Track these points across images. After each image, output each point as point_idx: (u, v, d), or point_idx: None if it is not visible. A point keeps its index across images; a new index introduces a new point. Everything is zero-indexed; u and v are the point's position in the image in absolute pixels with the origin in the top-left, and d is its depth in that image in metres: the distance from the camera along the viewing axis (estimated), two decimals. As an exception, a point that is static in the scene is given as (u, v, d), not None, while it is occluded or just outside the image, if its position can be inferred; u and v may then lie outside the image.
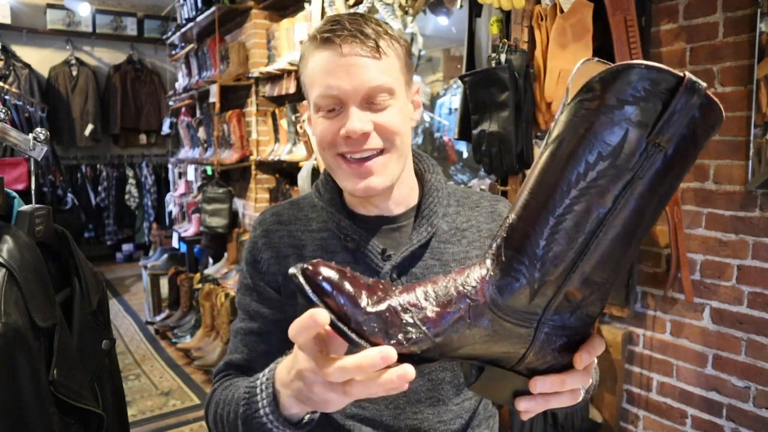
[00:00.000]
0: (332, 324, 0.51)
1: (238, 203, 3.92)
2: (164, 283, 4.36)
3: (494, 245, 0.54)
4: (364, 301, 0.52)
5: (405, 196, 0.91)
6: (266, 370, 0.70)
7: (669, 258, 1.78)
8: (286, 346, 0.90)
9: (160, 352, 3.88)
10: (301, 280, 0.51)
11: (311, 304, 0.51)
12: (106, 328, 1.03)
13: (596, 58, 0.52)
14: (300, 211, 0.94)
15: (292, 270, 0.52)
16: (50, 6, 6.03)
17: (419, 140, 3.34)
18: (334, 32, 0.79)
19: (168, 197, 5.53)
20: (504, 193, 1.92)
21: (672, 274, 1.73)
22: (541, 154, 0.50)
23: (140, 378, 3.46)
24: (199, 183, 4.39)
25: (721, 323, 1.72)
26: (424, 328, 0.52)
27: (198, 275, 3.90)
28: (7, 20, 5.79)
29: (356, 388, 0.53)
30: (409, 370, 0.51)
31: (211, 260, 4.21)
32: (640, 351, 1.93)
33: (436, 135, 3.30)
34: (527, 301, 0.51)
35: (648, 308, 1.90)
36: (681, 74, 0.44)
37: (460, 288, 0.53)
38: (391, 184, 0.85)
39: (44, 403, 0.79)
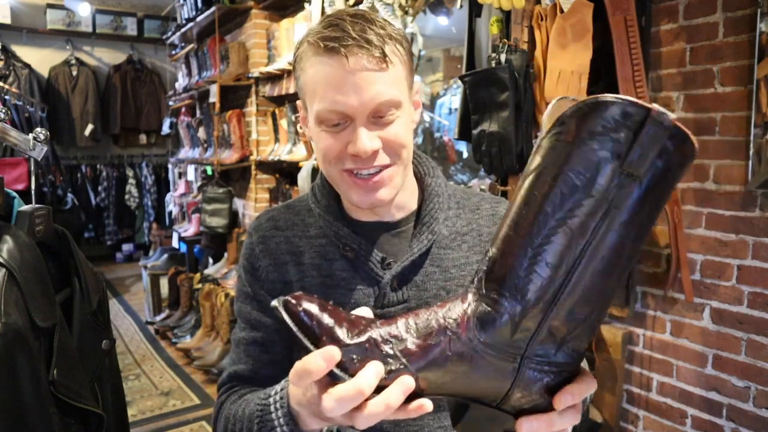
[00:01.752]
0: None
1: (238, 203, 3.92)
2: (164, 283, 4.36)
3: (476, 279, 0.54)
4: (343, 333, 0.52)
5: (406, 201, 0.89)
6: (278, 387, 0.70)
7: (669, 258, 1.78)
8: (290, 353, 0.89)
9: (160, 352, 3.88)
10: (283, 312, 0.52)
11: (292, 335, 0.52)
12: (106, 328, 1.03)
13: (571, 97, 0.52)
14: (297, 215, 0.92)
15: (274, 303, 0.53)
16: (50, 6, 6.03)
17: (419, 140, 3.34)
18: (338, 41, 0.73)
19: (168, 197, 5.53)
20: (504, 193, 1.92)
21: (672, 274, 1.73)
22: (519, 187, 0.51)
23: (140, 378, 3.46)
24: (199, 183, 4.39)
25: (721, 323, 1.72)
26: (404, 360, 0.52)
27: (198, 275, 3.91)
28: (7, 20, 5.79)
29: (361, 419, 0.53)
30: (426, 404, 0.52)
31: (211, 260, 4.21)
32: (640, 351, 1.93)
33: (436, 135, 3.31)
34: (509, 335, 0.50)
35: (648, 308, 1.90)
36: (649, 106, 0.45)
37: (441, 321, 0.53)
38: (396, 193, 0.83)
39: (44, 403, 0.79)
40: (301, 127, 2.92)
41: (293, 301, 0.53)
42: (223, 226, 3.76)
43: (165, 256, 4.57)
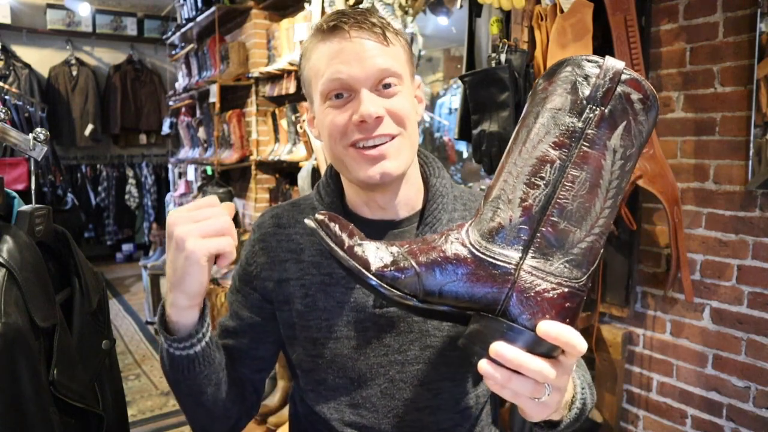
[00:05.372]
0: (326, 244, 0.60)
1: (238, 203, 3.92)
2: (164, 283, 4.35)
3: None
4: (358, 237, 0.61)
5: (411, 199, 0.89)
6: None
7: (669, 258, 1.78)
8: (254, 346, 0.93)
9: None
10: (312, 223, 0.62)
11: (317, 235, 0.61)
12: (106, 328, 1.02)
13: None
14: (300, 213, 0.93)
15: (306, 219, 0.63)
16: (50, 6, 6.02)
17: (419, 140, 3.34)
18: (339, 20, 0.78)
19: (168, 197, 5.52)
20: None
21: (672, 274, 1.73)
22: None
23: (140, 378, 3.46)
24: (199, 183, 4.38)
25: (721, 323, 1.72)
26: (411, 259, 0.57)
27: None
28: (7, 20, 5.79)
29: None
30: None
31: (211, 260, 4.20)
32: (640, 351, 1.93)
33: (436, 135, 3.30)
34: (506, 239, 0.56)
35: (648, 308, 1.90)
36: (599, 59, 0.56)
37: (444, 233, 0.60)
38: (405, 170, 0.83)
39: (44, 403, 0.79)
40: (300, 127, 2.92)
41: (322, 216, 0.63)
42: (223, 226, 3.75)
43: (165, 256, 4.56)
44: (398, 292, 0.57)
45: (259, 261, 0.91)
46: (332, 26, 0.77)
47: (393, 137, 0.79)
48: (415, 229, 0.88)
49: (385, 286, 0.57)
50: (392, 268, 0.57)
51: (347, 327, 0.86)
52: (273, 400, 2.77)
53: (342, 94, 0.78)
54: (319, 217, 0.62)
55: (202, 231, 0.68)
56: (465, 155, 3.11)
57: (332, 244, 0.59)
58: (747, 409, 1.67)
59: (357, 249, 0.59)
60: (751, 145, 1.57)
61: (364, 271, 0.57)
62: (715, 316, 1.73)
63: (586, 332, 1.98)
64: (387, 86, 0.78)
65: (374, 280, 0.57)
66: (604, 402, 1.97)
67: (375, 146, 0.79)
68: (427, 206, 0.88)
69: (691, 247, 1.77)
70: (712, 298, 1.73)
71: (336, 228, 0.61)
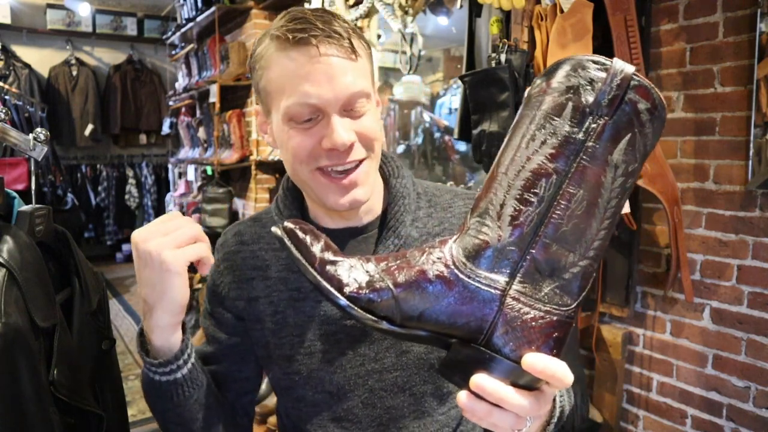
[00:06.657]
0: (295, 258, 0.54)
1: (238, 203, 3.92)
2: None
3: (462, 223, 0.56)
4: (331, 251, 0.55)
5: (373, 204, 0.86)
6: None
7: (669, 258, 1.78)
8: (237, 368, 0.91)
9: (160, 352, 3.88)
10: (279, 232, 0.57)
11: (285, 247, 0.55)
12: (106, 328, 1.02)
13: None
14: (263, 228, 0.90)
15: (273, 228, 0.57)
16: (50, 6, 6.02)
17: (419, 140, 3.34)
18: (306, 32, 0.70)
19: (168, 197, 5.53)
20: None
21: (672, 274, 1.73)
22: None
23: (140, 378, 3.46)
24: (199, 183, 4.39)
25: (721, 323, 1.72)
26: (387, 279, 0.52)
27: (198, 275, 3.90)
28: (7, 20, 5.79)
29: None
30: None
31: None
32: (640, 351, 1.93)
33: (436, 135, 3.30)
34: (493, 262, 0.51)
35: (648, 308, 1.90)
36: (606, 61, 0.50)
37: (425, 249, 0.54)
38: (372, 192, 0.80)
39: (44, 403, 0.79)
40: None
41: (291, 224, 0.57)
42: (223, 226, 3.76)
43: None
44: (370, 316, 0.52)
45: (226, 281, 0.89)
46: (298, 39, 0.71)
47: (362, 161, 0.77)
48: (377, 233, 0.85)
49: (357, 309, 0.52)
50: (367, 291, 0.52)
51: (320, 341, 0.83)
52: (273, 400, 2.77)
53: (309, 117, 0.74)
54: (288, 225, 0.56)
55: (176, 241, 0.68)
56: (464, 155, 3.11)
57: (302, 260, 0.54)
58: (747, 409, 1.67)
59: (329, 268, 0.53)
60: (751, 145, 1.57)
61: (335, 292, 0.52)
62: (715, 316, 1.73)
63: (586, 332, 1.98)
64: (356, 107, 0.75)
65: (344, 301, 0.52)
66: (604, 402, 1.97)
67: (345, 172, 0.75)
68: (389, 209, 0.85)
69: (691, 247, 1.77)
70: (712, 298, 1.73)
71: (307, 239, 0.55)
